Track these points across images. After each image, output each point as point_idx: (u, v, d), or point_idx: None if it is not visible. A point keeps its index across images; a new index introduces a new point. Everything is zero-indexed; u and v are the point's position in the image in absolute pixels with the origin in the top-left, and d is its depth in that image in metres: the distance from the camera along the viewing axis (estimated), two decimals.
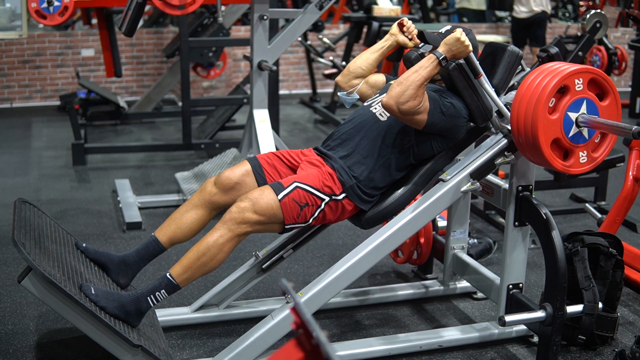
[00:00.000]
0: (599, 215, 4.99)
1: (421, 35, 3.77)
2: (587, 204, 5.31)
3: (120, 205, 5.98)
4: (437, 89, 3.76)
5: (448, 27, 3.89)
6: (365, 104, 3.91)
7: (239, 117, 8.90)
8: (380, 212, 3.71)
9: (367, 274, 4.80)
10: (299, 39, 9.36)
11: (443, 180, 3.73)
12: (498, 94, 3.79)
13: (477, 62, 3.62)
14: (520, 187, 3.80)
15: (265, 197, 3.44)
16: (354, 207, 3.66)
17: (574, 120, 3.48)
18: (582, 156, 3.56)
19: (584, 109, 3.49)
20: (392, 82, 3.66)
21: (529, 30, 10.53)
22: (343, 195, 3.60)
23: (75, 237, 3.92)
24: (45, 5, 6.19)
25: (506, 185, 3.90)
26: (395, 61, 7.55)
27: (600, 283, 3.97)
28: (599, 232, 4.22)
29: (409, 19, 3.96)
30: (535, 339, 4.01)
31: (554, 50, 5.31)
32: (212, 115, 8.53)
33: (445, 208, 3.84)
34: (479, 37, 11.21)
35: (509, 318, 3.67)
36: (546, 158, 3.47)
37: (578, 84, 3.45)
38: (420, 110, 3.48)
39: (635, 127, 3.27)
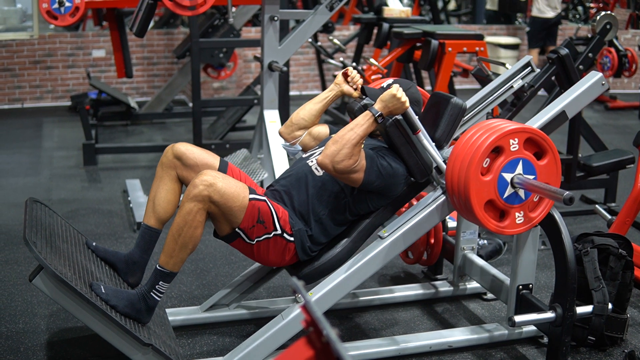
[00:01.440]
0: (609, 217, 4.98)
1: (362, 90, 3.72)
2: (597, 205, 5.30)
3: (131, 205, 6.00)
4: (377, 145, 3.72)
5: (390, 81, 3.86)
6: (304, 156, 3.87)
7: (250, 117, 8.91)
8: (318, 268, 3.67)
9: (376, 275, 4.81)
10: (310, 40, 9.36)
11: (381, 237, 3.70)
12: (441, 147, 3.75)
13: (414, 118, 3.56)
14: None
15: (235, 187, 3.40)
16: (293, 254, 3.62)
17: (509, 181, 3.43)
18: (519, 217, 3.51)
19: (519, 169, 3.43)
20: (333, 135, 3.60)
21: (549, 31, 10.57)
22: (292, 238, 3.58)
23: (86, 236, 3.94)
24: (56, 5, 6.21)
25: None
26: (406, 62, 7.54)
27: (610, 284, 3.97)
28: (608, 233, 4.22)
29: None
30: (545, 339, 4.01)
31: (564, 51, 5.32)
32: (223, 116, 8.54)
33: (383, 265, 3.77)
34: (490, 39, 11.21)
35: (518, 319, 3.67)
36: (479, 220, 3.43)
37: (513, 144, 3.39)
38: (356, 169, 3.44)
39: (567, 192, 3.19)
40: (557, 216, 3.66)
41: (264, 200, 3.51)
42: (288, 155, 5.64)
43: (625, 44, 11.39)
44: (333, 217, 3.65)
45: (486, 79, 5.16)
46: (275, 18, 5.62)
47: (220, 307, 4.22)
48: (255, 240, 3.51)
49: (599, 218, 5.78)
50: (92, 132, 7.53)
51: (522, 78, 4.25)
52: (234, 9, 8.19)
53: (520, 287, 3.91)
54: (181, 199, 3.52)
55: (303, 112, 3.96)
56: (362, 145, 3.48)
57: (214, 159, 3.73)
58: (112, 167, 7.46)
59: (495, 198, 3.42)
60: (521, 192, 3.46)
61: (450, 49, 6.50)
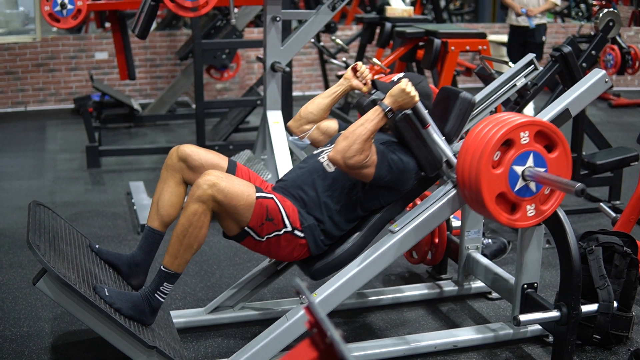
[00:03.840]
0: (614, 215, 4.97)
1: (373, 83, 3.73)
2: (601, 203, 5.28)
3: (135, 207, 6.00)
4: (387, 139, 3.72)
5: (400, 74, 3.85)
6: (315, 152, 3.87)
7: (253, 118, 8.90)
8: (329, 263, 3.67)
9: (381, 275, 4.80)
10: (312, 40, 9.36)
11: (392, 232, 3.69)
12: (450, 142, 3.73)
13: (424, 113, 3.55)
14: None
15: (240, 186, 3.40)
16: (306, 250, 3.63)
17: (519, 174, 3.41)
18: (530, 209, 3.48)
19: (530, 162, 3.41)
20: (342, 131, 3.60)
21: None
22: (302, 234, 3.58)
23: (89, 239, 3.94)
24: (58, 8, 6.21)
25: None
26: (409, 61, 7.54)
27: (615, 282, 3.96)
28: (613, 231, 4.21)
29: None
30: (550, 338, 4.00)
31: (567, 49, 5.31)
32: (226, 117, 8.54)
33: (394, 259, 3.76)
34: (493, 38, 11.19)
35: (523, 318, 3.66)
36: (491, 213, 3.40)
37: (524, 137, 3.38)
38: (367, 164, 3.44)
39: (579, 184, 3.17)
40: (562, 215, 3.65)
41: (272, 198, 3.50)
42: (292, 153, 5.64)
43: (629, 41, 11.38)
44: (344, 213, 3.65)
45: (489, 78, 5.15)
46: (278, 18, 5.62)
47: (225, 309, 4.22)
48: (265, 237, 3.51)
49: (603, 216, 5.77)
50: (95, 135, 7.54)
51: (525, 76, 4.24)
52: (236, 10, 8.20)
53: (525, 286, 3.90)
54: (185, 200, 3.52)
55: (312, 106, 3.97)
56: (373, 140, 3.48)
57: (221, 159, 3.73)
58: (115, 169, 7.46)
59: (506, 191, 3.41)
60: (532, 185, 3.44)
61: (453, 47, 6.49)
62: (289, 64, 5.92)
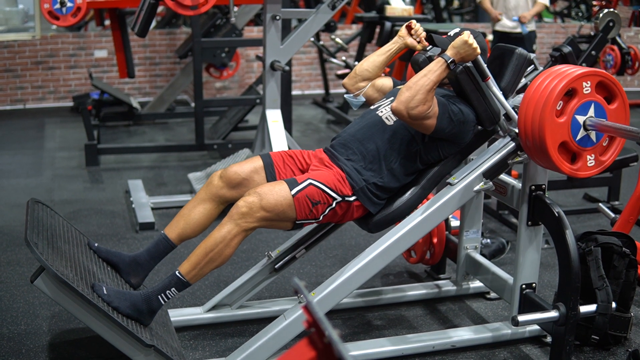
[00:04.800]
0: (613, 215, 4.96)
1: (429, 38, 3.75)
2: (600, 204, 5.28)
3: (133, 205, 5.99)
4: (445, 93, 3.73)
5: (457, 29, 3.88)
6: (372, 107, 3.88)
7: (252, 117, 8.89)
8: (388, 216, 3.69)
9: (379, 274, 4.79)
10: (312, 39, 9.35)
11: (450, 184, 3.72)
12: (506, 97, 3.77)
13: (484, 65, 3.60)
14: (533, 187, 3.78)
15: (275, 193, 3.42)
16: (363, 209, 3.65)
17: (581, 123, 3.45)
18: (590, 159, 3.53)
19: (591, 112, 3.45)
20: (399, 86, 3.63)
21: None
22: (354, 197, 3.59)
23: (88, 237, 3.93)
24: (58, 6, 6.20)
25: (519, 185, 3.89)
26: (408, 61, 7.53)
27: (614, 283, 3.95)
28: (612, 231, 4.20)
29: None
30: (549, 339, 4.00)
31: (567, 49, 5.30)
32: (225, 116, 8.53)
33: (454, 211, 3.82)
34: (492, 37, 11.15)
35: (522, 318, 3.66)
36: (553, 161, 3.44)
37: (586, 86, 3.42)
38: (429, 115, 3.46)
39: None
40: (561, 215, 3.64)
41: (309, 184, 3.52)
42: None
43: (628, 41, 11.39)
44: (404, 164, 3.68)
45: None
46: (277, 17, 5.61)
47: (223, 308, 4.21)
48: (322, 216, 3.55)
49: (602, 216, 5.76)
50: (94, 133, 7.53)
51: (525, 76, 4.23)
52: (235, 9, 8.19)
53: (524, 286, 3.90)
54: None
55: (367, 64, 3.99)
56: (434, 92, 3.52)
57: (255, 163, 3.73)
58: (114, 167, 7.46)
59: (568, 140, 3.44)
60: (592, 135, 3.49)
61: None
62: (289, 63, 5.91)
